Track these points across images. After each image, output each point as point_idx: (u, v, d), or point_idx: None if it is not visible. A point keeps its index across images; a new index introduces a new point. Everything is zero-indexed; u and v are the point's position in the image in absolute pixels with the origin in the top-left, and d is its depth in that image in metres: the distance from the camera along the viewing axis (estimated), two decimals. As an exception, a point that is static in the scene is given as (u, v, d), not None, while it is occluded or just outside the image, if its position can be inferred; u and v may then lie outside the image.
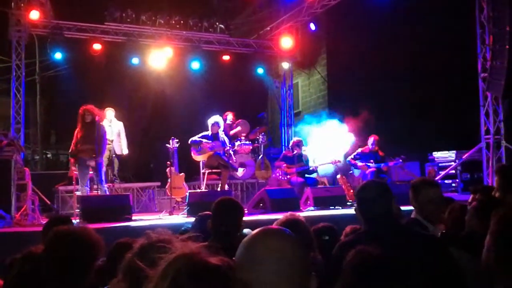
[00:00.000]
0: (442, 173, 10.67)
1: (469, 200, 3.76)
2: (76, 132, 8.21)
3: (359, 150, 10.29)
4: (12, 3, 10.95)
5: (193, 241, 1.60)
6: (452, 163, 10.73)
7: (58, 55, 11.71)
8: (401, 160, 10.05)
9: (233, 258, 1.52)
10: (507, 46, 8.44)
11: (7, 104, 11.87)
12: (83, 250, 2.46)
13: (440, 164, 11.08)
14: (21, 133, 11.21)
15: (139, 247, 2.12)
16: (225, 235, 3.24)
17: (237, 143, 9.87)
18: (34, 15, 10.67)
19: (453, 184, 10.74)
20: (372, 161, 10.08)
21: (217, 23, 12.92)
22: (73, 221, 7.62)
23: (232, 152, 9.31)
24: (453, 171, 10.68)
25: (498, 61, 8.62)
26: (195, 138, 9.08)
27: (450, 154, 10.91)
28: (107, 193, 8.33)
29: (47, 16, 11.21)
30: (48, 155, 15.60)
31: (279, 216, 3.82)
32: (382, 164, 10.03)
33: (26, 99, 11.74)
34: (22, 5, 10.85)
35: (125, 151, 10.65)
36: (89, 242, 2.45)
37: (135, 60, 12.18)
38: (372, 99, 12.27)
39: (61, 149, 15.29)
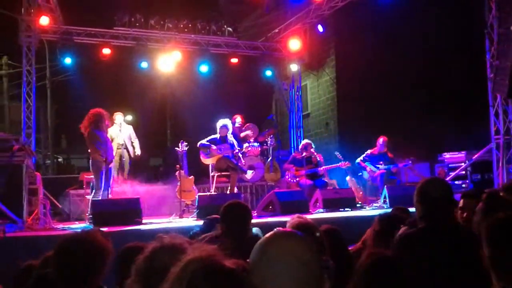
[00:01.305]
0: (452, 174, 10.61)
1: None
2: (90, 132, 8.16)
3: (368, 152, 10.27)
4: (22, 9, 11.06)
5: (208, 244, 1.62)
6: (462, 164, 10.67)
7: (68, 60, 11.80)
8: (410, 162, 10.02)
9: (247, 261, 1.54)
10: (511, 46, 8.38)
11: (18, 109, 12.00)
12: (92, 254, 2.48)
13: (450, 165, 11.02)
14: (32, 138, 11.31)
15: (151, 250, 2.15)
16: (234, 238, 3.27)
17: (245, 145, 9.89)
18: (44, 20, 10.75)
19: (463, 185, 10.67)
20: (381, 162, 10.06)
21: (225, 26, 12.95)
22: (81, 225, 7.73)
23: (241, 155, 9.33)
24: (463, 172, 10.62)
25: (503, 61, 8.56)
26: (204, 141, 9.12)
27: (460, 155, 10.84)
28: (110, 197, 8.33)
29: (57, 21, 11.31)
30: (59, 159, 15.72)
31: (289, 219, 3.85)
32: (392, 166, 10.00)
33: (37, 104, 11.83)
34: (32, 11, 10.93)
35: (138, 152, 10.60)
36: (97, 246, 2.48)
37: (144, 64, 12.24)
38: (381, 100, 12.26)
39: (72, 153, 15.41)
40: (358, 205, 9.37)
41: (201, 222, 5.37)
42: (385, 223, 3.47)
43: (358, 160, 10.25)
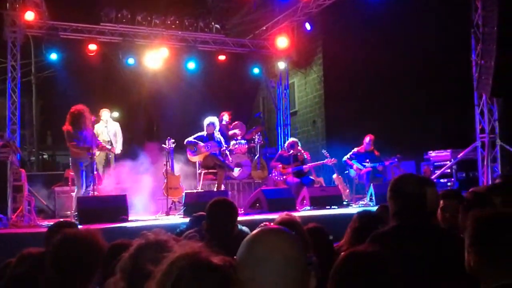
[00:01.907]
0: (438, 172, 10.71)
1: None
2: (67, 132, 8.13)
3: (355, 149, 10.33)
4: (7, 4, 10.92)
5: (193, 241, 1.62)
6: (448, 162, 10.76)
7: (53, 56, 11.67)
8: (396, 160, 10.09)
9: (234, 257, 1.55)
10: (495, 46, 8.46)
11: (3, 105, 11.85)
12: (90, 254, 2.47)
13: (435, 163, 11.12)
14: (17, 134, 11.19)
15: (136, 247, 2.14)
16: (220, 235, 3.26)
17: (232, 143, 9.87)
18: (29, 16, 10.61)
19: (449, 183, 10.77)
20: (368, 160, 10.11)
21: (213, 23, 12.91)
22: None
23: (228, 152, 9.32)
24: (449, 170, 10.72)
25: (487, 60, 8.66)
26: (191, 138, 9.09)
27: (446, 153, 10.94)
28: (90, 194, 8.27)
29: (42, 16, 11.18)
30: (45, 156, 15.57)
31: (275, 216, 3.85)
32: (378, 164, 10.06)
33: (22, 100, 11.69)
34: (17, 6, 10.81)
35: (118, 151, 10.58)
36: (96, 246, 2.47)
37: (130, 61, 12.15)
38: (368, 99, 12.33)
39: (57, 150, 15.27)
40: (344, 203, 9.42)
41: (187, 220, 5.36)
42: (364, 220, 3.48)
43: (345, 158, 10.29)
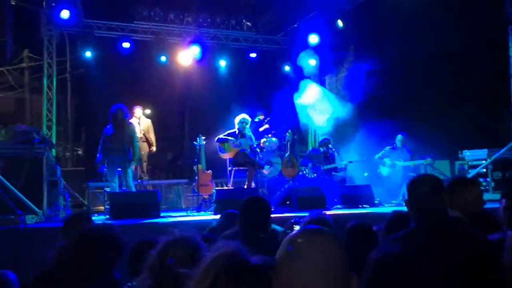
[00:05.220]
0: (473, 171, 10.46)
1: (503, 205, 3.57)
2: (105, 130, 8.32)
3: (387, 148, 10.19)
4: (44, 2, 11.18)
5: (229, 240, 1.61)
6: (483, 161, 10.50)
7: (88, 54, 11.91)
8: (430, 158, 9.91)
9: (274, 257, 1.53)
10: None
11: (39, 102, 12.15)
12: (108, 249, 2.51)
13: (470, 163, 10.86)
14: (53, 130, 11.45)
15: (163, 244, 2.15)
16: (254, 233, 3.25)
17: (263, 140, 9.87)
18: (65, 14, 10.82)
19: (484, 183, 10.51)
20: (400, 159, 9.96)
21: (244, 21, 12.93)
22: (99, 217, 7.81)
23: (258, 150, 9.31)
24: (484, 170, 10.46)
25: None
26: (222, 136, 9.12)
27: (481, 152, 10.67)
28: (134, 190, 8.42)
29: (78, 15, 11.40)
30: (79, 152, 15.88)
31: (306, 214, 3.82)
32: (411, 162, 9.90)
33: (58, 97, 11.95)
34: (53, 4, 11.05)
35: (154, 148, 10.78)
36: (114, 241, 2.50)
37: (163, 58, 12.29)
38: (401, 96, 12.12)
39: (92, 146, 15.54)
40: (376, 202, 9.30)
41: (218, 217, 5.37)
42: (395, 220, 3.40)
43: (377, 156, 10.17)
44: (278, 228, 3.96)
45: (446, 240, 2.42)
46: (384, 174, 10.17)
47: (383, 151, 10.18)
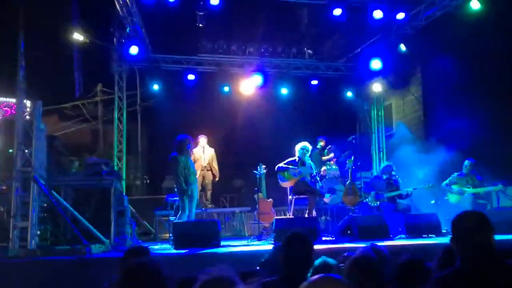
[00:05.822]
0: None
1: None
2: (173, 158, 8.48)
3: (455, 174, 9.82)
4: (114, 40, 11.86)
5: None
6: (561, 187, 9.86)
7: (155, 86, 12.47)
8: (502, 185, 9.43)
9: None
10: None
11: (112, 132, 12.81)
12: (154, 283, 2.61)
13: (547, 189, 10.22)
14: (123, 160, 12.00)
15: (201, 283, 2.24)
16: (294, 270, 3.26)
17: (323, 168, 9.82)
18: (134, 50, 11.38)
19: None
20: (469, 186, 9.56)
21: (306, 49, 13.05)
22: (164, 245, 8.03)
23: (319, 178, 9.27)
24: None
25: None
26: (282, 164, 9.17)
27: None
28: (193, 218, 8.55)
29: (146, 50, 11.99)
30: (148, 181, 16.50)
31: (366, 244, 3.73)
32: (481, 189, 9.47)
33: (128, 127, 12.53)
34: (123, 40, 11.68)
35: (217, 178, 11.05)
36: (156, 280, 2.60)
37: (226, 88, 12.63)
38: (468, 119, 11.67)
39: (161, 175, 16.07)
40: (444, 231, 8.92)
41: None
42: (448, 256, 3.27)
43: (444, 183, 9.82)
44: (331, 261, 3.89)
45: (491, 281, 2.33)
46: (452, 202, 9.77)
47: (451, 177, 9.81)
